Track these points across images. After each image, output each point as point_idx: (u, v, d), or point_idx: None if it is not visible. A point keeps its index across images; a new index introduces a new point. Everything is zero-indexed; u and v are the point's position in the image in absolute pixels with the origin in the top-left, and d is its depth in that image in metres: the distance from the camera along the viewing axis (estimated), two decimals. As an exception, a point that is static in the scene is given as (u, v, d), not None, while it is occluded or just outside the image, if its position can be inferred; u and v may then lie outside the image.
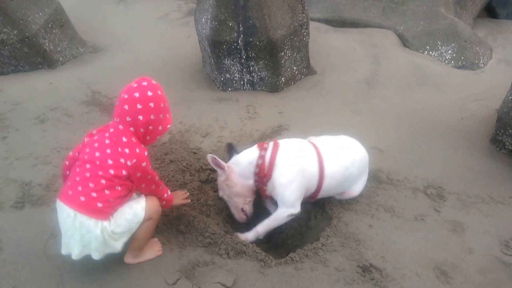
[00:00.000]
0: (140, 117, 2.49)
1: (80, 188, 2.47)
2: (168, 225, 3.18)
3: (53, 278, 2.75)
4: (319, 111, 5.00)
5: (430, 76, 5.82)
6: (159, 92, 2.57)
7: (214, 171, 3.83)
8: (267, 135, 4.44)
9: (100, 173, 2.46)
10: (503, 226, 3.27)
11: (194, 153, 4.10)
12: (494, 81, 5.78)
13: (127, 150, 2.49)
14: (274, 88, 5.42)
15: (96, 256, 2.56)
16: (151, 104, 2.50)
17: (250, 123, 4.71)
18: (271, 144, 3.21)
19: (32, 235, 3.10)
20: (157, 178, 2.68)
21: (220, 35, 4.99)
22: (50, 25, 5.92)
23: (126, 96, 2.51)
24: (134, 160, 2.49)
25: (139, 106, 2.48)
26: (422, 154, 4.11)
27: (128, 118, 2.51)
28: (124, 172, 2.50)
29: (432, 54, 6.45)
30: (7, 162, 3.93)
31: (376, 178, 3.65)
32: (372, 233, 3.16)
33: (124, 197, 2.58)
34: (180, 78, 5.79)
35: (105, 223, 2.49)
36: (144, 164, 2.52)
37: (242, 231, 3.22)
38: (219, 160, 3.12)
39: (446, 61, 6.32)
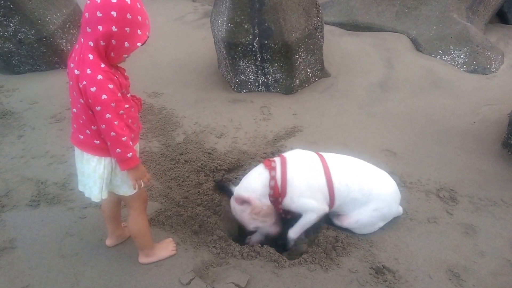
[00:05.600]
0: (100, 28, 2.02)
1: (75, 126, 2.33)
2: (183, 225, 3.22)
3: (68, 278, 2.78)
4: (332, 113, 5.03)
5: (443, 80, 5.82)
6: (128, 0, 2.05)
7: (228, 171, 3.88)
8: (281, 137, 4.48)
9: (79, 105, 2.20)
10: (515, 230, 3.29)
11: (209, 153, 4.15)
12: (506, 85, 5.78)
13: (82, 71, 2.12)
14: (288, 90, 5.46)
15: (100, 195, 2.41)
16: (113, 13, 2.00)
17: (265, 124, 4.75)
18: (277, 161, 3.10)
19: (47, 234, 3.13)
20: (116, 122, 2.16)
21: (236, 37, 5.04)
22: (67, 26, 6.01)
23: (88, 2, 2.06)
24: (84, 83, 2.07)
25: (99, 14, 2.00)
26: (435, 157, 4.13)
27: (88, 29, 2.06)
28: (81, 101, 2.16)
29: (445, 58, 6.45)
30: (23, 161, 4.00)
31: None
32: (385, 235, 3.18)
33: None
34: (195, 79, 5.84)
35: (108, 159, 2.35)
36: (93, 89, 2.06)
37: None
38: (242, 195, 2.98)
39: (459, 66, 6.32)
